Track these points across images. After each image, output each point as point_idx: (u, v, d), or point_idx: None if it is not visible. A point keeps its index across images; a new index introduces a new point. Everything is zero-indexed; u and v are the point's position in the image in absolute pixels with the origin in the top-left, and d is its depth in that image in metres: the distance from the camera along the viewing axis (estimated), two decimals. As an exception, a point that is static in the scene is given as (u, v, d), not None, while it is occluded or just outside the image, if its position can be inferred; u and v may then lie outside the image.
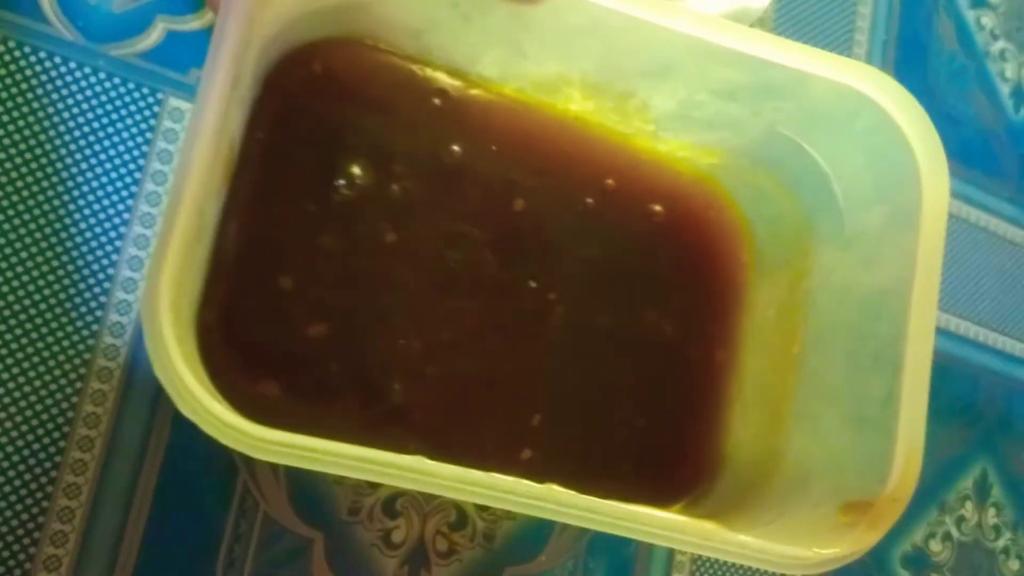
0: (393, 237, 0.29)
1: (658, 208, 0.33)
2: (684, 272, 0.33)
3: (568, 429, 0.32)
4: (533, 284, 0.31)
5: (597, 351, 0.32)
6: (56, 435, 0.32)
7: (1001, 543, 0.51)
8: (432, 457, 0.24)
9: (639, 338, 0.33)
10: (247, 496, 0.34)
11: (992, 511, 0.51)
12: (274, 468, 0.35)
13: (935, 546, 0.49)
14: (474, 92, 0.30)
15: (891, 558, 0.48)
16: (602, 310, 0.32)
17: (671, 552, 0.41)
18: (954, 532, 0.50)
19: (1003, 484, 0.52)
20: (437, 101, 0.30)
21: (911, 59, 0.51)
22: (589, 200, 0.32)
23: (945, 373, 0.50)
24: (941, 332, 0.50)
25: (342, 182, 0.28)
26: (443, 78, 0.30)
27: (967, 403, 0.51)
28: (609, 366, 0.32)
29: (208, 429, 0.21)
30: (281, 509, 0.34)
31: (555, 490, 0.24)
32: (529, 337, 0.31)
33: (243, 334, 0.27)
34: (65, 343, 0.32)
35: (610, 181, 0.32)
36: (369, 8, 0.26)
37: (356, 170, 0.28)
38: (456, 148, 0.30)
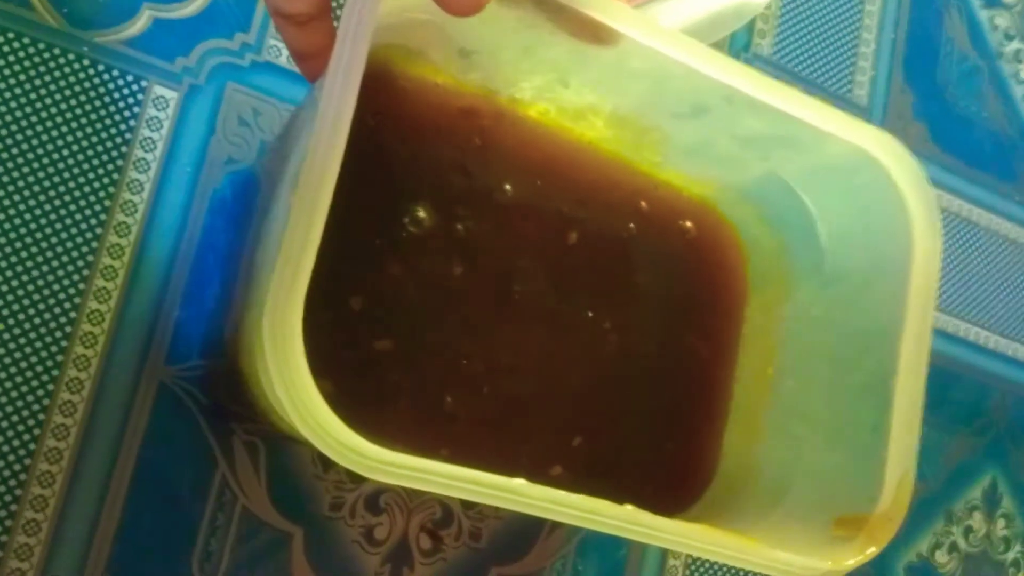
0: (460, 270, 0.31)
1: (689, 225, 0.34)
2: (711, 291, 0.35)
3: (604, 451, 0.33)
4: (590, 314, 0.32)
5: (642, 377, 0.33)
6: (31, 422, 0.31)
7: (1011, 556, 0.50)
8: (462, 462, 0.25)
9: (678, 361, 0.34)
10: (225, 489, 0.34)
11: (1002, 522, 0.50)
12: (255, 461, 0.34)
13: (941, 557, 0.48)
14: (506, 124, 0.31)
15: (895, 569, 0.47)
16: (649, 336, 0.34)
17: (664, 556, 0.40)
18: (961, 543, 0.49)
19: (1014, 494, 0.50)
20: (478, 141, 0.31)
21: (920, 59, 0.50)
22: (632, 226, 0.33)
23: (954, 379, 0.49)
24: (950, 337, 0.49)
25: (408, 221, 0.30)
26: (479, 105, 0.31)
27: (977, 410, 0.50)
28: (649, 391, 0.34)
29: (329, 452, 0.22)
30: (260, 503, 0.34)
31: (642, 514, 0.25)
32: (583, 364, 0.32)
33: (310, 342, 0.28)
34: (42, 329, 0.32)
35: (644, 204, 0.34)
36: (441, 26, 0.27)
37: (421, 213, 0.30)
38: (508, 187, 0.31)
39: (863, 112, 0.48)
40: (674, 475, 0.33)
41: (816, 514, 0.29)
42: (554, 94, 0.30)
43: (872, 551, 0.27)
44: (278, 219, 0.26)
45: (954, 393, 0.49)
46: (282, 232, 0.22)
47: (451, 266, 0.31)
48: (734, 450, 0.33)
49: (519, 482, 0.23)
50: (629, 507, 0.24)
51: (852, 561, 0.26)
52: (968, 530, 0.49)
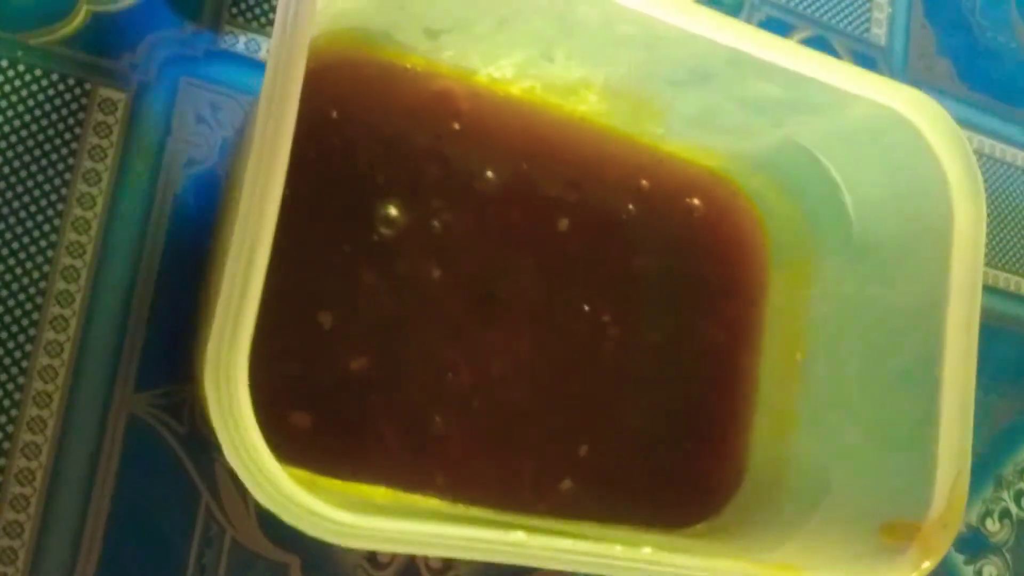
0: (439, 272, 0.28)
1: (697, 202, 0.31)
2: (725, 270, 0.32)
3: (613, 458, 0.30)
4: (587, 308, 0.30)
5: (649, 371, 0.31)
6: (-9, 470, 0.29)
7: (1066, 517, 0.47)
8: (461, 489, 0.24)
9: (691, 351, 0.32)
10: (211, 522, 0.31)
11: (1055, 483, 0.47)
12: (241, 489, 0.31)
13: (992, 525, 0.45)
14: (486, 105, 0.28)
15: (943, 542, 0.44)
16: (655, 325, 0.31)
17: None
18: (1013, 508, 0.46)
19: (1066, 452, 0.47)
20: (456, 125, 0.28)
21: (943, -12, 0.46)
22: (631, 207, 0.31)
23: (997, 334, 0.46)
24: (990, 289, 0.46)
25: (379, 222, 0.27)
26: (454, 87, 0.28)
27: (1021, 365, 0.46)
28: (660, 385, 0.31)
29: (290, 519, 0.20)
30: (250, 534, 0.31)
31: (662, 554, 0.23)
32: (583, 364, 0.30)
33: (279, 369, 0.25)
34: (-5, 368, 0.29)
35: (644, 182, 0.31)
36: (401, 5, 0.25)
37: (392, 211, 0.27)
38: (490, 174, 0.29)
39: (882, 52, 0.45)
40: (697, 479, 0.30)
41: (859, 519, 0.26)
42: (539, 70, 0.27)
43: (927, 566, 0.24)
44: (223, 244, 0.23)
45: (997, 349, 0.46)
46: (223, 263, 0.19)
47: (428, 268, 0.28)
48: (763, 448, 0.30)
49: (518, 535, 0.20)
50: (647, 549, 0.21)
51: (918, 574, 0.23)
52: (1020, 494, 0.46)
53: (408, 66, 0.27)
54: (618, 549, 0.21)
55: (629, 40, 0.25)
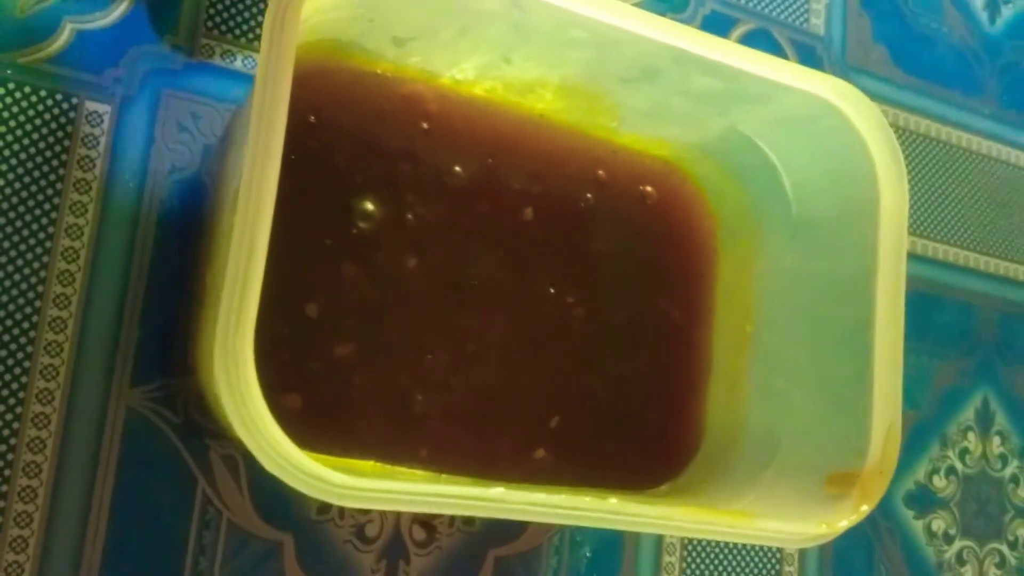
0: (414, 262, 0.30)
1: (650, 189, 0.33)
2: (678, 251, 0.34)
3: (583, 427, 0.32)
4: (552, 290, 0.32)
5: (614, 347, 0.33)
6: (0, 463, 0.31)
7: (1008, 471, 0.50)
8: (443, 461, 0.26)
9: (649, 326, 0.34)
10: (208, 506, 0.33)
11: (996, 440, 0.50)
12: (235, 473, 0.34)
13: (939, 482, 0.48)
14: (452, 106, 0.31)
15: (894, 499, 0.47)
16: (615, 304, 0.33)
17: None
18: (958, 465, 0.49)
19: (1006, 410, 0.50)
20: (425, 125, 0.30)
21: (876, -22, 0.49)
22: (589, 196, 0.33)
23: (936, 303, 0.49)
24: (929, 261, 0.49)
25: (357, 217, 0.29)
26: (421, 90, 0.30)
27: (961, 331, 0.49)
28: (624, 360, 0.33)
29: (296, 484, 0.22)
30: (245, 515, 0.33)
31: (628, 504, 0.25)
32: (551, 342, 0.32)
33: (272, 356, 0.27)
34: (-1, 369, 0.31)
35: (601, 172, 0.33)
36: (370, 18, 0.27)
37: (369, 206, 0.29)
38: (458, 169, 0.30)
39: (821, 41, 0.47)
40: (660, 443, 0.33)
41: (807, 472, 0.29)
42: (499, 71, 0.29)
43: (865, 509, 0.26)
44: (219, 241, 0.25)
45: (938, 317, 0.49)
46: (224, 260, 0.22)
47: (405, 258, 0.30)
48: (719, 412, 0.33)
49: (498, 490, 0.22)
50: (613, 500, 0.23)
51: (845, 522, 0.26)
52: (964, 452, 0.49)
53: (378, 72, 0.29)
54: (587, 500, 0.23)
55: (581, 43, 0.27)
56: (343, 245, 0.28)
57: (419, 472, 0.28)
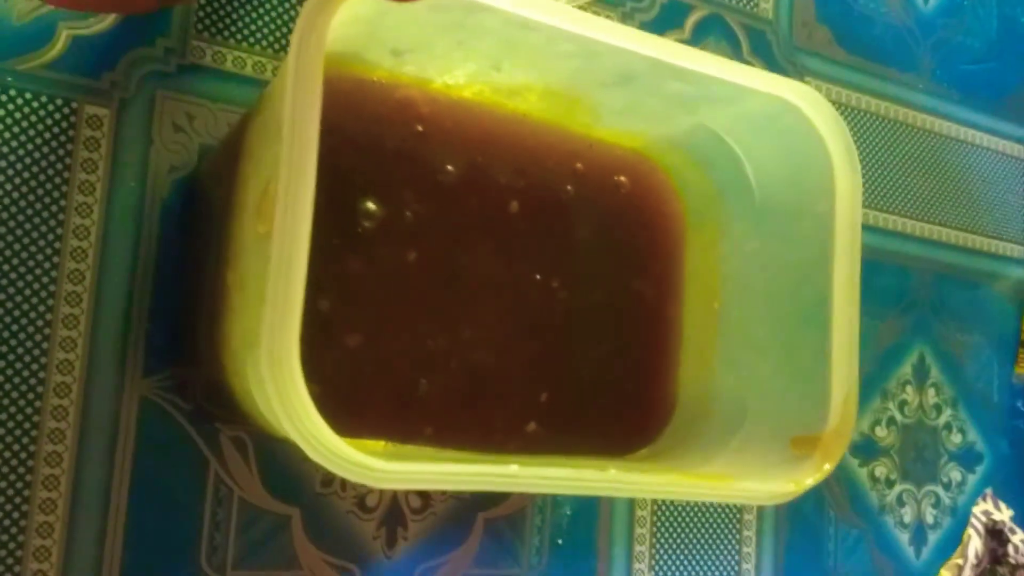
0: (414, 255, 0.32)
1: (623, 179, 0.36)
2: (650, 235, 0.37)
3: (570, 400, 0.35)
4: (538, 276, 0.34)
5: (595, 325, 0.35)
6: (23, 455, 0.32)
7: (943, 419, 0.54)
8: (446, 437, 0.28)
9: (626, 306, 0.36)
10: (220, 485, 0.35)
11: (932, 391, 0.54)
12: (244, 454, 0.36)
13: (881, 432, 0.52)
14: (443, 109, 0.33)
15: (841, 449, 0.51)
16: (595, 286, 0.36)
17: (633, 476, 0.43)
18: (898, 416, 0.53)
19: (940, 364, 0.55)
20: (420, 127, 0.32)
21: (819, -37, 0.52)
22: (569, 187, 0.35)
23: (876, 268, 0.52)
24: (869, 228, 0.52)
25: (362, 217, 0.31)
26: (415, 94, 0.32)
27: (899, 293, 0.53)
28: (603, 337, 0.36)
29: (343, 473, 0.23)
30: (255, 492, 0.36)
31: (623, 475, 0.28)
32: (539, 324, 0.34)
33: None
34: (18, 364, 0.33)
35: (579, 165, 0.35)
36: (372, 31, 0.28)
37: (372, 205, 0.31)
38: (450, 167, 0.33)
39: (770, 25, 0.50)
40: (637, 413, 0.36)
41: (773, 437, 0.32)
42: (487, 77, 0.31)
43: (828, 468, 0.30)
44: (245, 250, 0.27)
45: (878, 280, 0.52)
46: (252, 264, 0.24)
47: (405, 252, 0.32)
48: (691, 383, 0.36)
49: (513, 468, 0.25)
50: (612, 471, 0.26)
51: (811, 480, 0.29)
52: (903, 403, 0.53)
53: (375, 79, 0.31)
54: (588, 472, 0.26)
55: (567, 54, 0.29)
56: (350, 243, 0.30)
57: (425, 448, 0.31)
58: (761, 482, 0.29)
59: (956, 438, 0.55)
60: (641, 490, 0.27)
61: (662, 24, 0.46)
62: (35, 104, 0.34)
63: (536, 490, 0.26)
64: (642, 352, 0.36)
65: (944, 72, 0.56)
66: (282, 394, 0.22)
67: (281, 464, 0.36)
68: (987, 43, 0.58)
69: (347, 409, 0.30)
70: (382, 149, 0.31)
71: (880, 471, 0.52)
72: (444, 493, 0.39)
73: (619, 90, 0.32)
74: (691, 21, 0.47)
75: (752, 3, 0.49)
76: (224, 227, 0.31)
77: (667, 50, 0.29)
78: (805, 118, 0.31)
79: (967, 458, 0.55)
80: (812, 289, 0.32)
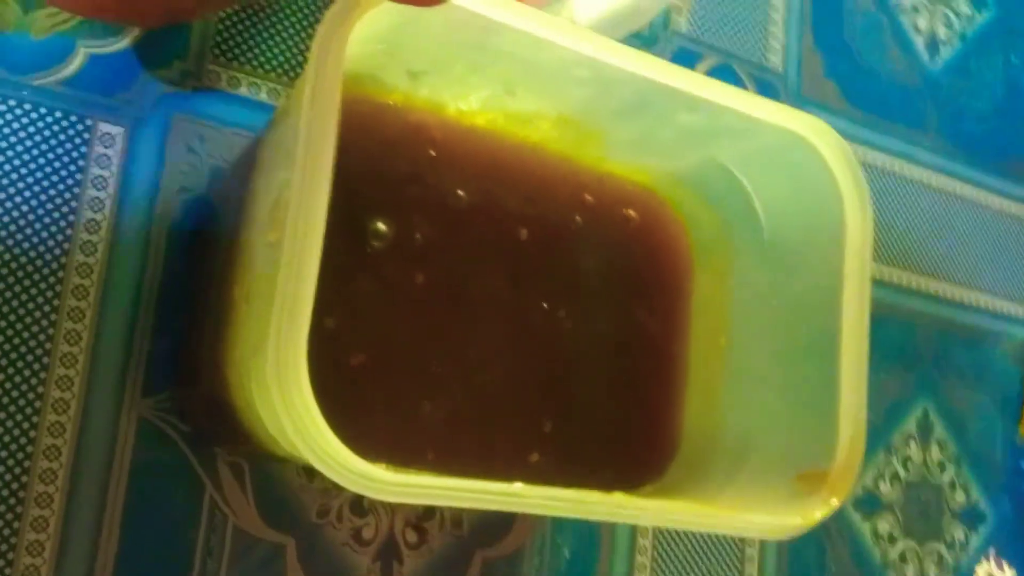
0: (422, 278, 0.32)
1: (632, 213, 0.36)
2: (658, 269, 0.37)
3: (574, 432, 0.34)
4: (545, 305, 0.34)
5: (600, 356, 0.35)
6: (18, 470, 0.32)
7: (946, 478, 0.54)
8: (447, 464, 0.28)
9: (632, 339, 0.36)
10: (215, 511, 0.35)
11: (936, 448, 0.53)
12: (240, 480, 0.35)
13: (884, 487, 0.51)
14: (456, 135, 0.33)
15: (843, 504, 0.50)
16: (601, 318, 0.35)
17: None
18: (901, 472, 0.52)
19: (944, 421, 0.54)
20: (433, 152, 0.32)
21: (827, 19, 0.53)
22: (578, 218, 0.35)
23: (883, 321, 0.52)
24: (877, 283, 0.52)
25: (371, 236, 0.31)
26: (428, 119, 0.32)
27: (906, 348, 0.53)
28: (610, 368, 0.35)
29: (350, 485, 0.23)
30: (250, 519, 0.35)
31: (629, 499, 0.27)
32: (544, 353, 0.34)
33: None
34: (17, 378, 0.32)
35: (588, 197, 0.35)
36: (391, 53, 0.29)
37: (382, 226, 0.31)
38: (461, 193, 0.33)
39: (779, 77, 0.51)
40: (642, 447, 0.35)
41: (779, 472, 0.31)
42: (501, 103, 0.32)
43: (835, 503, 0.29)
44: (254, 261, 0.27)
45: (884, 334, 0.52)
46: (258, 279, 0.23)
47: (413, 274, 0.32)
48: (696, 418, 0.35)
49: (517, 486, 0.24)
50: (618, 495, 0.26)
51: (819, 514, 0.29)
52: (906, 459, 0.52)
53: (390, 102, 0.31)
54: (593, 495, 0.26)
55: (582, 80, 0.29)
56: (358, 262, 0.30)
57: (426, 473, 0.30)
58: (769, 515, 0.29)
59: (960, 496, 0.54)
60: (646, 517, 0.27)
61: (672, 70, 0.47)
62: (49, 119, 0.34)
63: (539, 511, 0.25)
64: (647, 386, 0.36)
65: (950, 130, 0.56)
66: (286, 396, 0.22)
67: (278, 492, 0.36)
68: (993, 104, 0.59)
69: (348, 429, 0.30)
70: (394, 171, 0.32)
71: (883, 527, 0.51)
72: (441, 528, 0.38)
73: (631, 120, 0.32)
74: (701, 69, 0.48)
75: (761, 55, 0.50)
76: (233, 245, 0.31)
77: (682, 78, 0.29)
78: (816, 152, 0.31)
79: (970, 517, 0.54)
80: (820, 324, 0.31)
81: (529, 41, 0.27)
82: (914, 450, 0.53)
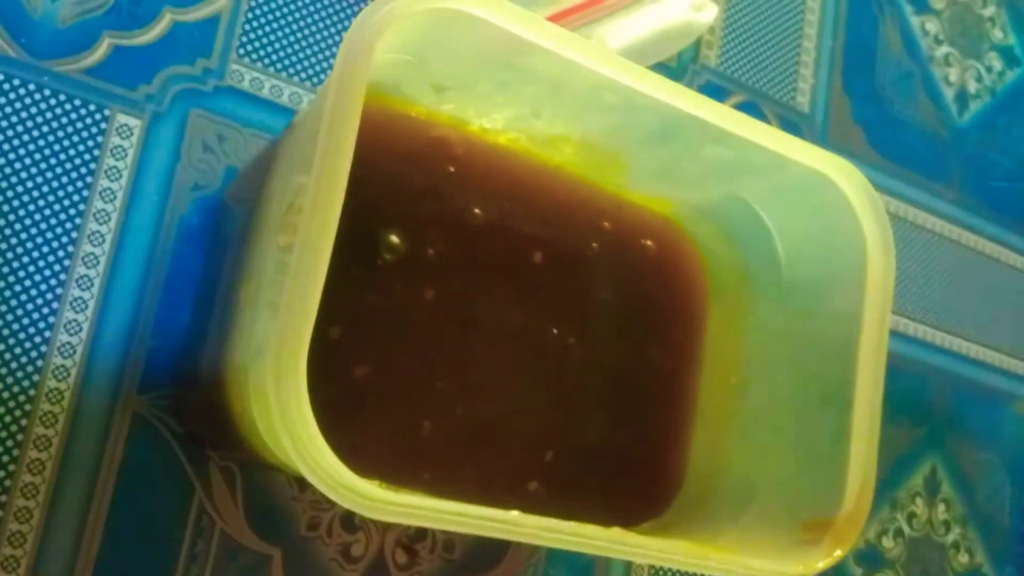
0: (432, 294, 0.31)
1: (650, 243, 0.35)
2: (672, 302, 0.36)
3: (575, 463, 0.33)
4: (555, 331, 0.33)
5: (608, 387, 0.34)
6: (5, 459, 0.31)
7: (951, 538, 0.52)
8: (443, 486, 0.27)
9: (641, 371, 0.35)
10: (203, 515, 0.34)
11: (942, 507, 0.52)
12: (231, 486, 0.34)
13: (887, 543, 0.50)
14: (477, 152, 0.32)
15: (844, 557, 0.49)
16: (611, 348, 0.34)
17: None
18: (905, 528, 0.51)
19: (952, 480, 0.53)
20: (452, 168, 0.32)
21: (858, 65, 0.52)
22: (594, 245, 0.34)
23: (895, 373, 0.51)
24: (892, 333, 0.51)
25: (383, 248, 0.30)
26: (450, 134, 0.32)
27: (917, 402, 0.52)
28: (616, 400, 0.34)
29: (341, 500, 0.23)
30: (238, 526, 0.34)
31: (628, 535, 0.26)
32: (550, 379, 0.33)
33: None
34: (13, 364, 0.32)
35: (607, 224, 0.34)
36: (417, 65, 0.28)
37: (395, 239, 0.30)
38: (477, 211, 0.32)
39: (805, 118, 0.50)
40: (645, 483, 0.34)
41: (783, 519, 0.31)
42: (525, 124, 0.31)
43: (839, 554, 0.28)
44: (264, 264, 0.26)
45: (896, 386, 0.51)
46: (266, 280, 0.23)
47: (423, 290, 0.31)
48: (702, 457, 0.34)
49: (514, 514, 0.24)
50: (616, 529, 0.25)
51: (822, 564, 0.28)
52: (911, 516, 0.51)
53: (412, 115, 0.31)
54: (591, 529, 0.25)
55: (609, 106, 0.29)
56: (368, 273, 0.30)
57: (420, 494, 0.30)
58: (770, 561, 0.28)
59: (963, 558, 0.53)
60: (644, 554, 0.26)
61: (699, 104, 0.46)
62: (68, 106, 0.33)
63: (535, 541, 0.24)
64: (654, 421, 0.35)
65: (975, 186, 0.56)
66: (283, 403, 0.21)
67: (268, 501, 0.35)
68: (1019, 162, 0.58)
69: (344, 442, 0.29)
70: (412, 185, 0.31)
71: (884, 584, 0.50)
72: (433, 552, 0.37)
73: (656, 149, 0.31)
74: (727, 104, 0.47)
75: (789, 95, 0.50)
76: (243, 246, 0.30)
77: (711, 111, 0.28)
78: (841, 193, 0.30)
79: (974, 581, 0.53)
80: (835, 370, 0.31)
81: (560, 63, 0.26)
82: (920, 507, 0.52)
